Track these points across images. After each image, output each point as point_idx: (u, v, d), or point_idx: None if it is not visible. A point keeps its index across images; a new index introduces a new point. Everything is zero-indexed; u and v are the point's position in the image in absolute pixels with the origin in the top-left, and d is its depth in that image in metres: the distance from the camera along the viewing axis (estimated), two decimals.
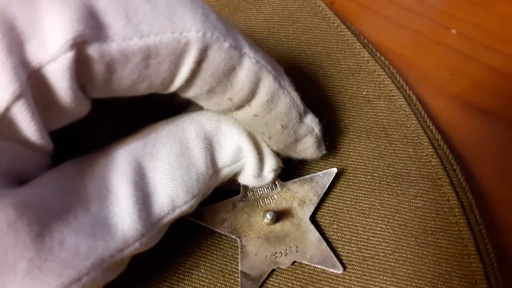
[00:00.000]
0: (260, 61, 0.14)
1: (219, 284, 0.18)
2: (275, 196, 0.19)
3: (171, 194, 0.14)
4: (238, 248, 0.18)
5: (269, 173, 0.17)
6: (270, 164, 0.17)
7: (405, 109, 0.21)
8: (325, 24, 0.24)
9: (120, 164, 0.14)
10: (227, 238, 0.19)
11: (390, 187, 0.20)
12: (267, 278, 0.18)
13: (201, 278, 0.18)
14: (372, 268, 0.18)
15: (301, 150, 0.17)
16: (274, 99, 0.15)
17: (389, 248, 0.18)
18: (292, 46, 0.24)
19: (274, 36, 0.24)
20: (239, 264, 0.18)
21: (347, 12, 0.26)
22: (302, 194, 0.19)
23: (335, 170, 0.19)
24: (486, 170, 0.21)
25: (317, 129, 0.17)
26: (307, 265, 0.18)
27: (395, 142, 0.21)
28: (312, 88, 0.23)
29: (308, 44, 0.24)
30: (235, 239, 0.18)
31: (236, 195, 0.19)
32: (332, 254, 0.18)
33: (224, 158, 0.16)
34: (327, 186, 0.19)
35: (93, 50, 0.11)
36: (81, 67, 0.12)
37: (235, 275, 0.18)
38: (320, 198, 0.19)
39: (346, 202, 0.19)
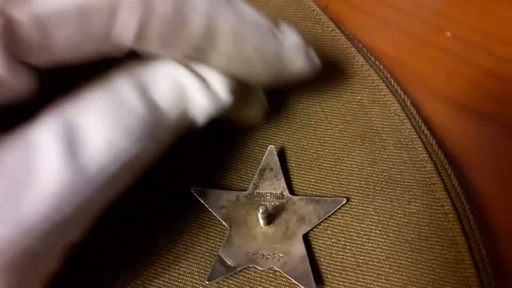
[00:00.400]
0: None
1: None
2: (278, 204, 0.19)
3: (109, 139, 0.13)
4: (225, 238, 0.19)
5: (219, 86, 0.16)
6: (216, 80, 0.16)
7: (399, 114, 0.21)
8: (319, 29, 0.24)
9: (48, 123, 0.13)
10: (219, 238, 0.19)
11: (384, 192, 0.20)
12: (240, 271, 0.18)
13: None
14: (366, 274, 0.18)
15: (292, 68, 0.17)
16: (237, 33, 0.14)
17: (383, 254, 0.18)
18: None
19: None
20: (220, 249, 0.18)
21: (341, 15, 0.26)
22: (305, 212, 0.19)
23: (344, 200, 0.19)
24: (481, 174, 0.21)
25: (294, 36, 0.16)
26: None
27: (390, 147, 0.21)
28: (305, 93, 0.23)
29: None
30: (226, 227, 0.19)
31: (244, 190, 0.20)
32: (311, 274, 0.18)
33: (162, 93, 0.15)
34: (331, 212, 0.19)
35: (18, 13, 0.11)
36: (10, 34, 0.11)
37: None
38: (320, 221, 0.19)
39: (340, 207, 0.19)
